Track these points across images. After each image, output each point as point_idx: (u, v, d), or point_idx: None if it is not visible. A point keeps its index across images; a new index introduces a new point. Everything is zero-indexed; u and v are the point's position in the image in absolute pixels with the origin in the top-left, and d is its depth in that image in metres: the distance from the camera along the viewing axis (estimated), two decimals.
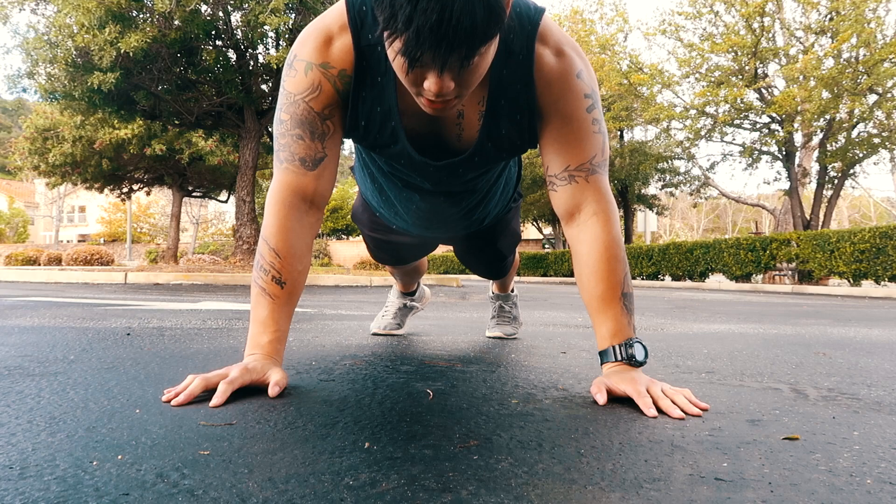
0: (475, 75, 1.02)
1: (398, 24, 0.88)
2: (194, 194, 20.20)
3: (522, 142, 1.30)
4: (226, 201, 20.74)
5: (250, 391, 1.13)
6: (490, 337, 2.28)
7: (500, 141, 1.28)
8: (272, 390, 1.12)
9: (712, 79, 16.44)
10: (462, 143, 1.30)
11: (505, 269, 2.10)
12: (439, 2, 0.85)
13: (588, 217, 1.26)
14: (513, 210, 1.86)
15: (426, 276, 11.58)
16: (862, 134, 15.17)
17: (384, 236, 1.87)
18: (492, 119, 1.24)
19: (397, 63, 1.00)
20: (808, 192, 18.23)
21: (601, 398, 1.13)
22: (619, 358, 1.20)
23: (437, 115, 1.12)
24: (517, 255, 2.20)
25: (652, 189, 23.79)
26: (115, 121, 12.84)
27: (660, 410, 1.07)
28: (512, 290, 2.37)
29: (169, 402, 1.06)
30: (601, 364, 1.24)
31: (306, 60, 1.18)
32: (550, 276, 19.74)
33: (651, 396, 1.09)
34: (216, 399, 1.05)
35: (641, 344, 1.21)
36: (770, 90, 16.02)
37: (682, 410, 1.06)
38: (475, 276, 21.94)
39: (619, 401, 1.14)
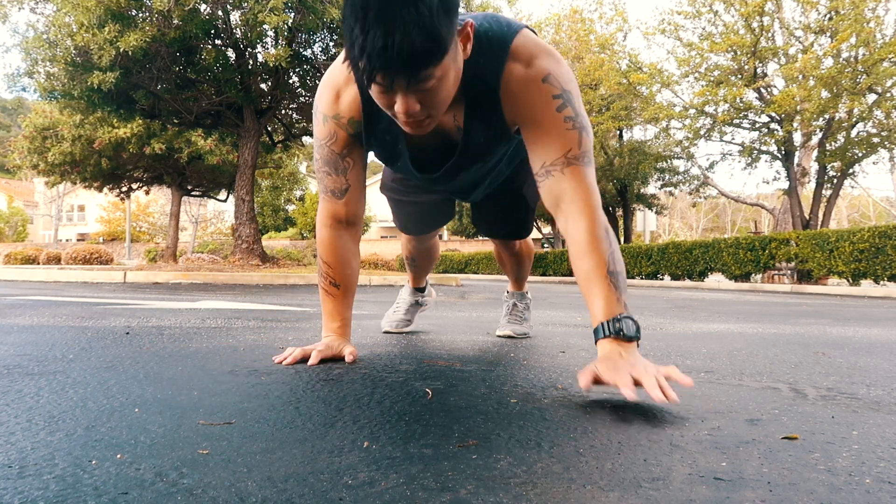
0: (436, 97, 1.17)
1: (355, 52, 1.08)
2: (193, 193, 20.18)
3: (501, 143, 1.47)
4: (225, 200, 20.73)
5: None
6: (500, 336, 2.29)
7: (480, 147, 1.46)
8: (348, 358, 1.53)
9: (711, 78, 16.41)
10: None
11: (523, 231, 2.14)
12: (383, 32, 1.04)
13: (568, 204, 1.32)
14: (524, 173, 1.86)
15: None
16: (861, 133, 15.14)
17: (408, 198, 1.99)
18: (469, 133, 1.42)
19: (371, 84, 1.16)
20: (807, 191, 18.21)
21: (583, 381, 1.13)
22: (608, 333, 1.20)
23: (417, 134, 1.26)
24: (531, 247, 2.30)
25: (651, 188, 23.75)
26: (115, 120, 12.82)
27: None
28: (525, 291, 2.40)
29: (279, 363, 1.49)
30: (595, 342, 1.24)
31: (322, 113, 1.46)
32: (549, 275, 19.73)
33: (633, 378, 1.09)
34: (312, 361, 1.48)
35: (632, 319, 1.22)
36: (769, 89, 16.00)
37: (662, 392, 1.04)
38: (474, 276, 21.97)
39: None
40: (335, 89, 1.42)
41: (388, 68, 1.08)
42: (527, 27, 1.36)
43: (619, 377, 1.10)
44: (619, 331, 1.20)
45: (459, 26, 1.17)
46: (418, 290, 2.44)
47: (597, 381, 1.14)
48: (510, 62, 1.30)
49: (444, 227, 2.27)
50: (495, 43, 1.30)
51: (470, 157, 1.49)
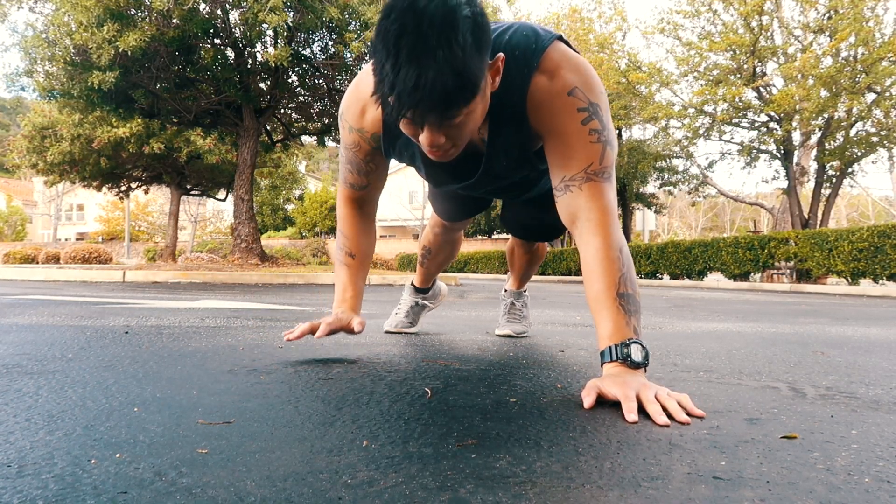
0: (463, 130, 1.17)
1: (385, 88, 1.07)
2: (192, 193, 20.16)
3: (523, 166, 1.45)
4: (224, 200, 20.71)
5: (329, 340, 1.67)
6: (499, 335, 2.29)
7: (503, 168, 1.45)
8: (357, 328, 1.58)
9: (711, 77, 16.43)
10: None
11: (555, 236, 2.15)
12: (415, 72, 1.02)
13: (583, 223, 1.30)
14: None
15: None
16: (860, 133, 15.17)
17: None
18: (493, 151, 1.40)
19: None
20: (806, 190, 18.23)
21: (587, 401, 1.10)
22: (614, 358, 1.17)
23: (440, 160, 1.26)
24: (545, 248, 2.31)
25: (650, 188, 23.79)
26: (114, 119, 12.81)
27: (649, 416, 1.03)
28: (524, 290, 2.39)
29: (287, 340, 1.53)
30: (601, 365, 1.21)
31: (349, 123, 1.51)
32: (549, 274, 19.74)
33: (640, 401, 1.06)
34: (319, 333, 1.52)
35: (640, 345, 1.18)
36: (768, 89, 16.02)
37: (671, 417, 1.02)
38: (473, 275, 21.96)
39: (615, 404, 1.14)
40: (361, 104, 1.46)
41: (418, 107, 1.07)
42: (559, 38, 1.33)
43: (625, 392, 1.08)
44: (627, 356, 1.16)
45: (490, 60, 1.15)
46: (421, 290, 2.37)
47: (601, 397, 1.12)
48: (537, 75, 1.29)
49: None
50: (521, 59, 1.28)
51: (490, 178, 1.49)
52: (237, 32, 9.82)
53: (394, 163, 1.66)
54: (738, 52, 15.50)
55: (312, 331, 1.54)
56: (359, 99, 1.46)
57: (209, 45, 10.08)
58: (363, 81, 1.43)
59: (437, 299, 2.45)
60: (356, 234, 1.69)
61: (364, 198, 1.69)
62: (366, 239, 1.71)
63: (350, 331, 1.59)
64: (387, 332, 2.31)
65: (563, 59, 1.30)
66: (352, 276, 1.69)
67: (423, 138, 1.16)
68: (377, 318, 2.95)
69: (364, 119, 1.47)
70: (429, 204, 2.11)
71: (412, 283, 2.38)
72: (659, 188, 23.20)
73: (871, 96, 14.35)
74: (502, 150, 1.39)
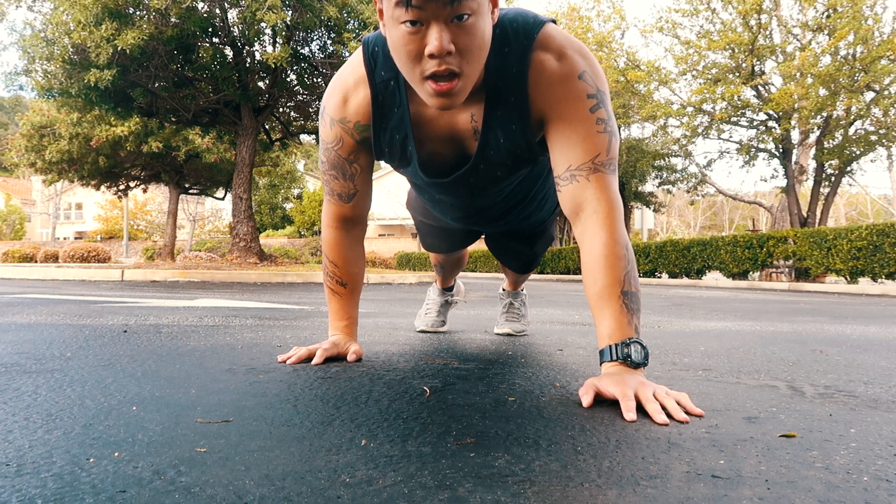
0: (471, 40, 1.11)
1: None
2: (191, 191, 20.15)
3: (522, 152, 1.36)
4: (222, 198, 20.71)
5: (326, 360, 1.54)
6: (498, 333, 2.30)
7: (500, 150, 1.36)
8: (350, 357, 1.54)
9: (709, 76, 16.42)
10: None
11: (534, 266, 2.18)
12: None
13: (589, 216, 1.26)
14: (552, 217, 1.95)
15: (423, 273, 11.58)
16: (859, 131, 15.16)
17: (435, 222, 1.99)
18: (489, 129, 1.32)
19: (398, 31, 1.11)
20: (804, 189, 18.22)
21: (586, 400, 1.10)
22: (614, 357, 1.16)
23: (445, 105, 1.18)
24: None
25: (649, 186, 23.77)
26: (112, 118, 12.80)
27: (647, 414, 1.03)
28: (522, 289, 2.40)
29: (284, 361, 1.49)
30: (600, 364, 1.20)
31: (330, 116, 1.42)
32: (547, 272, 19.74)
33: (638, 399, 1.05)
34: (316, 360, 1.48)
35: (641, 344, 1.17)
36: (767, 87, 16.01)
37: (670, 415, 1.01)
38: (472, 274, 21.96)
39: (614, 402, 1.14)
40: (343, 92, 1.37)
41: None
42: (552, 21, 1.31)
43: (623, 390, 1.07)
44: (627, 356, 1.15)
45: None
46: (447, 290, 2.46)
47: (599, 396, 1.11)
48: (538, 52, 1.25)
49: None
50: (521, 33, 1.25)
51: (487, 164, 1.39)
52: (236, 31, 9.81)
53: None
54: (736, 50, 15.49)
55: (309, 356, 1.51)
56: (341, 87, 1.38)
57: (207, 44, 10.06)
58: (345, 71, 1.38)
59: (461, 293, 2.55)
60: (345, 263, 1.59)
61: (353, 216, 1.57)
62: (356, 266, 1.61)
63: (345, 355, 1.56)
64: (420, 331, 2.36)
65: (567, 40, 1.27)
66: (344, 305, 1.62)
67: (432, 43, 1.09)
68: (376, 318, 2.95)
69: (346, 108, 1.38)
70: None
71: (436, 285, 2.45)
72: (657, 187, 23.19)
73: (869, 95, 14.34)
74: (499, 127, 1.32)
